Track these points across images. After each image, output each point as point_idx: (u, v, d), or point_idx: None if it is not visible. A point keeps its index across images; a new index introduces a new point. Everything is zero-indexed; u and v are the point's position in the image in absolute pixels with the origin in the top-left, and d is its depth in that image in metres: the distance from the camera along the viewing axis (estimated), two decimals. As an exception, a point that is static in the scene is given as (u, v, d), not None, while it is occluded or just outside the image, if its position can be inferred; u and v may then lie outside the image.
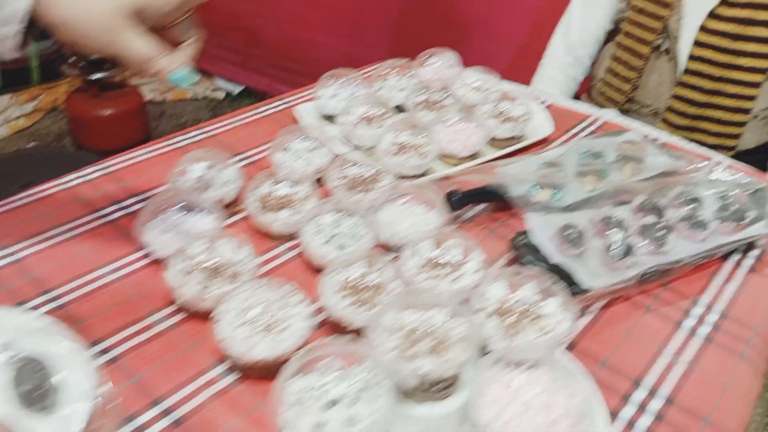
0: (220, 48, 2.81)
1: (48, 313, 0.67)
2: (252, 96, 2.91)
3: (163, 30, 0.64)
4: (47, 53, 2.64)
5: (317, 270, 0.74)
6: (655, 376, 0.64)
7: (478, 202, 0.87)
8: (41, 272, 0.73)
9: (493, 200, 0.86)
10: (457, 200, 0.83)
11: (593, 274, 0.73)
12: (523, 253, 0.74)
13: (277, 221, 0.78)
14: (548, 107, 1.14)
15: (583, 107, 1.15)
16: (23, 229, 0.79)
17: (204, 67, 2.96)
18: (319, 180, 0.87)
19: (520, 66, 1.69)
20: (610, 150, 0.95)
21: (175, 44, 0.65)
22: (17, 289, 0.70)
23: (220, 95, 2.96)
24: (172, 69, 0.60)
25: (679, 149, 1.03)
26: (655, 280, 0.75)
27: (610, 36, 1.41)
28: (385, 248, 0.79)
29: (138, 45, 0.58)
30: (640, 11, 1.29)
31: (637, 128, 1.08)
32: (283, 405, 0.51)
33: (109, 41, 0.57)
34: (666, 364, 0.66)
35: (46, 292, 0.70)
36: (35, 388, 0.55)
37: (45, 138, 2.64)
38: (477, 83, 1.09)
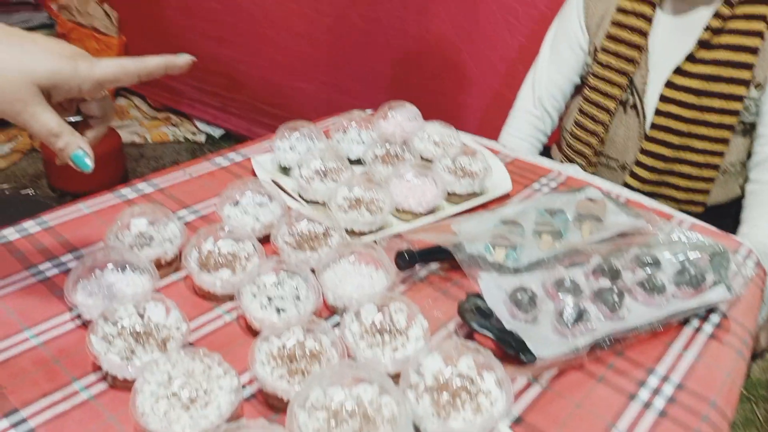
0: (201, 92, 2.81)
1: (-39, 380, 0.63)
2: (233, 139, 2.90)
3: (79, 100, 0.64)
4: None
5: (257, 335, 0.70)
6: (604, 455, 0.61)
7: (431, 261, 0.85)
8: (-40, 335, 0.69)
9: (446, 260, 0.84)
10: (408, 260, 0.80)
11: (545, 342, 0.70)
12: (470, 318, 0.71)
13: (217, 282, 0.74)
14: (511, 162, 1.12)
15: (545, 162, 1.14)
16: (-50, 286, 0.75)
17: (185, 110, 2.96)
18: (268, 237, 0.84)
19: (492, 116, 1.69)
20: (569, 208, 0.93)
21: (87, 117, 0.65)
22: (-70, 354, 0.66)
23: (201, 138, 2.95)
24: (72, 150, 0.60)
25: (642, 207, 1.01)
26: (610, 347, 0.72)
27: (579, 89, 1.41)
28: (330, 310, 0.76)
29: (44, 119, 0.58)
30: (606, 66, 1.29)
31: (599, 184, 1.07)
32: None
33: (17, 112, 0.57)
34: (616, 441, 0.62)
35: (-38, 357, 0.66)
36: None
37: (20, 180, 2.60)
38: (437, 137, 1.07)
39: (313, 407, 0.53)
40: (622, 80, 1.27)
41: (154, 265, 0.74)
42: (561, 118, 1.47)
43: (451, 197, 0.97)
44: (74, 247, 0.83)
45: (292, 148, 1.02)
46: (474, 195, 0.98)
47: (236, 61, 2.60)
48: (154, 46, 2.84)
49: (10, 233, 0.85)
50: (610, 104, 1.30)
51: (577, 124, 1.37)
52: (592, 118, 1.33)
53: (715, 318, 0.79)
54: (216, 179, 1.01)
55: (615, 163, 1.35)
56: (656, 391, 0.68)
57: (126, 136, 2.85)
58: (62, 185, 2.47)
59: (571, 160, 1.40)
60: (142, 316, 0.66)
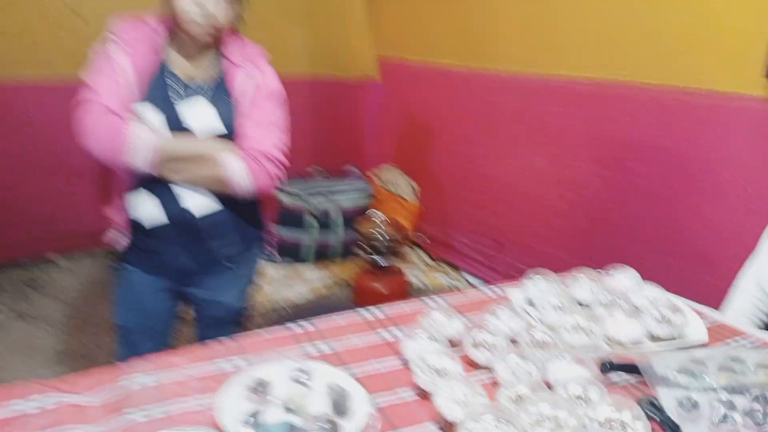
0: (471, 249, 3.43)
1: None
2: (491, 292, 3.40)
3: None
4: (322, 241, 3.55)
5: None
6: None
7: (624, 372, 1.18)
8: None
9: (638, 374, 1.17)
10: (609, 368, 1.16)
11: (698, 433, 1.00)
12: (644, 407, 1.04)
13: (477, 357, 1.19)
14: (717, 325, 1.40)
15: (749, 329, 1.38)
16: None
17: (454, 263, 3.59)
18: (513, 340, 1.27)
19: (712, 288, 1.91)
20: (752, 358, 1.19)
21: None
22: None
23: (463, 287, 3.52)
24: None
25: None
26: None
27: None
28: (547, 385, 1.15)
29: None
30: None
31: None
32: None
33: None
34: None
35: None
36: (339, 407, 1.02)
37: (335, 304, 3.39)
38: (650, 295, 1.42)
39: None
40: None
41: (443, 340, 1.22)
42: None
43: (655, 338, 1.30)
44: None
45: (537, 287, 1.46)
46: (674, 339, 1.30)
47: (501, 226, 3.19)
48: (440, 213, 3.59)
49: (360, 313, 1.42)
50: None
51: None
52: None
53: None
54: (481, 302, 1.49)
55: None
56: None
57: (409, 277, 3.53)
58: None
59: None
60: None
